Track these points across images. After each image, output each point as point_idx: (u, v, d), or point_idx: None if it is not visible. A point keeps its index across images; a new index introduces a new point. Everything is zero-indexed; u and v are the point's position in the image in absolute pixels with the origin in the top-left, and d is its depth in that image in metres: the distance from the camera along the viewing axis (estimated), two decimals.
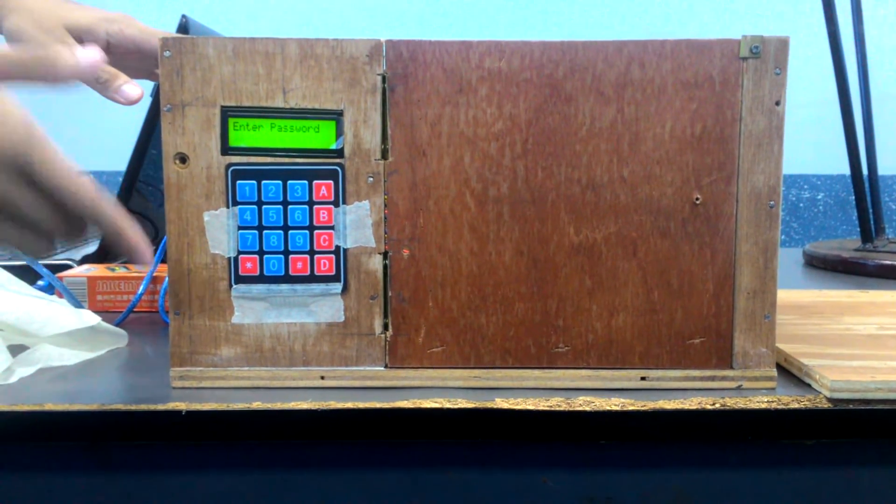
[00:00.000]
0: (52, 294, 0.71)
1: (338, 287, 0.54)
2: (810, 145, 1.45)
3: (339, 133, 0.52)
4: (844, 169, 1.10)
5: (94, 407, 0.50)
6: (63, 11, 0.69)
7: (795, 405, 0.51)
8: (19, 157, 0.45)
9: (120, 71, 0.68)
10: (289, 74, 0.52)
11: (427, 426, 0.51)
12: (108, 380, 0.56)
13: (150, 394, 0.53)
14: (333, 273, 0.53)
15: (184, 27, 0.79)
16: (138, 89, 0.68)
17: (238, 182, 0.52)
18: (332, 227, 0.53)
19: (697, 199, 0.53)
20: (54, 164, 0.46)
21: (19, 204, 0.46)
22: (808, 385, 0.54)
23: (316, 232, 0.53)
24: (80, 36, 0.69)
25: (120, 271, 0.76)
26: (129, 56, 0.71)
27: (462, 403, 0.51)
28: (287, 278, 0.53)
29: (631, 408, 0.51)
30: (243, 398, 0.51)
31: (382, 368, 0.54)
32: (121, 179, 0.83)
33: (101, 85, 0.67)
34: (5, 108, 0.45)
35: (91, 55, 0.47)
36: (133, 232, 0.48)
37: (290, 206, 0.53)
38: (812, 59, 1.28)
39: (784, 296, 0.77)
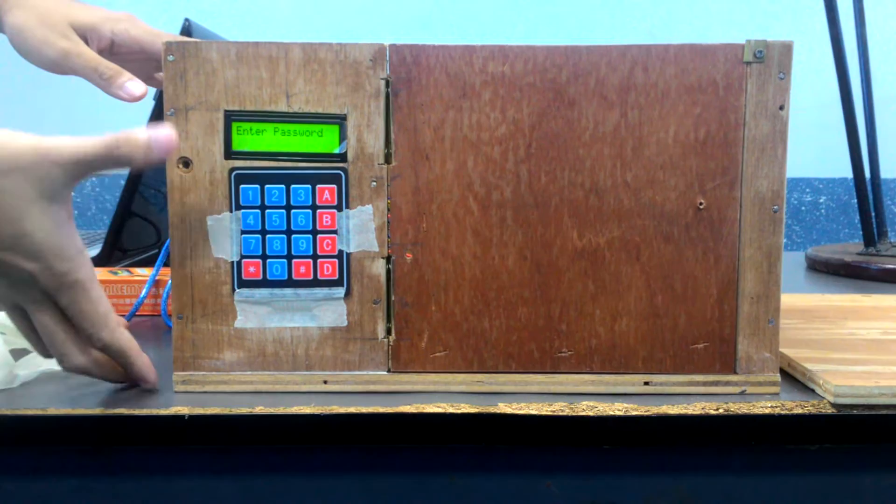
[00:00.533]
0: None
1: (341, 291, 0.54)
2: (812, 148, 1.45)
3: (343, 137, 0.52)
4: (847, 172, 1.10)
5: (96, 411, 0.50)
6: (68, 9, 0.69)
7: (799, 410, 0.51)
8: (51, 292, 0.48)
9: None
10: (292, 79, 0.52)
11: (430, 431, 0.51)
12: (111, 384, 0.56)
13: (153, 398, 0.53)
14: (336, 277, 0.53)
15: (187, 31, 0.79)
16: (142, 86, 0.68)
17: (241, 186, 0.52)
18: (335, 232, 0.53)
19: (701, 203, 0.53)
20: (81, 306, 0.48)
21: (39, 324, 0.49)
22: (812, 390, 0.53)
23: (319, 236, 0.53)
24: (85, 34, 0.69)
25: (122, 275, 0.76)
26: (132, 56, 0.71)
27: (465, 408, 0.51)
28: (290, 282, 0.53)
29: (634, 413, 0.51)
30: (246, 402, 0.51)
31: (385, 373, 0.54)
32: (123, 183, 0.83)
33: (104, 81, 0.67)
34: (61, 250, 0.47)
35: (166, 138, 0.49)
36: (141, 364, 0.53)
37: (293, 211, 0.53)
38: (814, 62, 1.28)
39: (787, 300, 0.77)
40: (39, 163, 0.46)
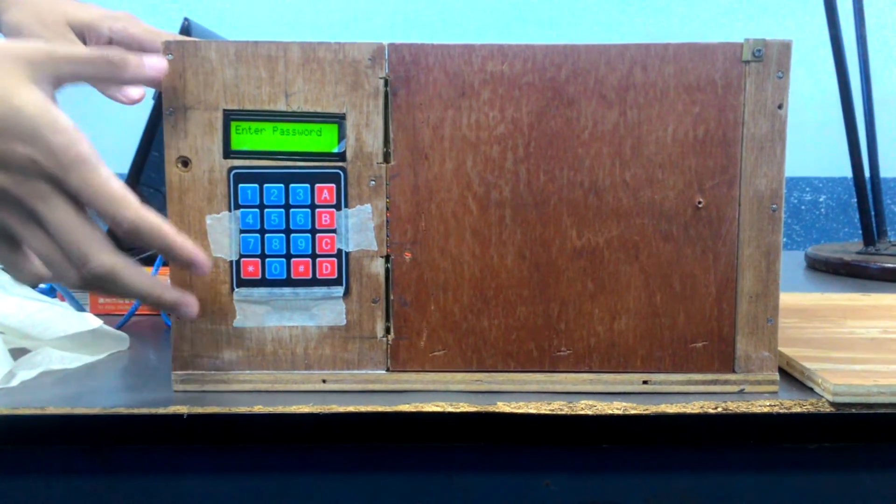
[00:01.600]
0: (53, 297, 0.71)
1: (340, 290, 0.54)
2: (812, 148, 1.45)
3: (342, 136, 0.52)
4: (846, 171, 1.10)
5: (95, 410, 0.50)
6: (65, 7, 0.69)
7: (798, 409, 0.51)
8: (57, 175, 0.45)
9: None
10: (291, 78, 0.52)
11: (429, 430, 0.51)
12: (110, 383, 0.56)
13: (152, 397, 0.53)
14: (335, 276, 0.53)
15: (186, 30, 0.79)
16: (140, 89, 0.68)
17: (240, 185, 0.52)
18: (334, 231, 0.53)
19: (700, 202, 0.53)
20: (94, 183, 0.45)
21: (55, 224, 0.46)
22: (811, 389, 0.53)
23: (318, 235, 0.53)
24: (83, 32, 0.69)
25: None
26: None
27: (464, 407, 0.51)
28: (289, 282, 0.53)
29: (633, 411, 0.51)
30: (245, 402, 0.51)
31: (384, 372, 0.54)
32: (123, 182, 0.83)
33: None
34: (55, 121, 0.45)
35: (158, 63, 0.50)
36: (183, 242, 0.48)
37: (292, 210, 0.53)
38: (814, 61, 1.28)
39: (786, 299, 0.77)
40: (33, 51, 0.46)
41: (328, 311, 0.54)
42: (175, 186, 0.52)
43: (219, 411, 0.50)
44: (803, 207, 1.53)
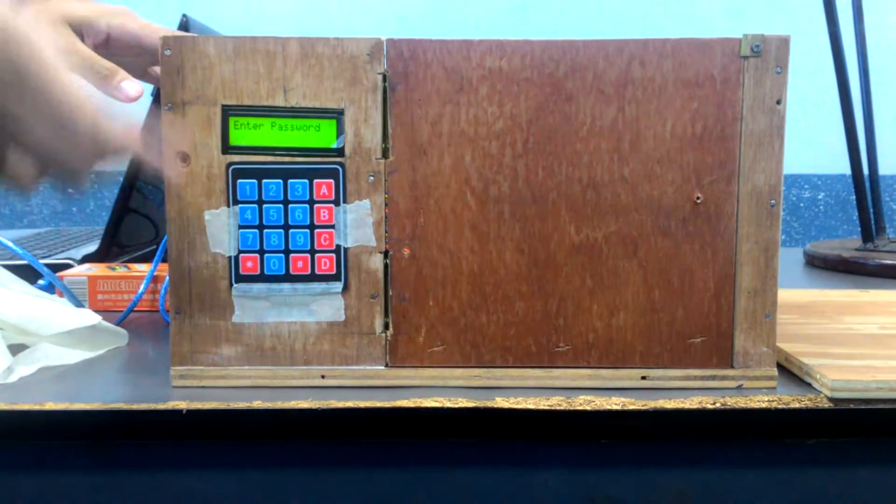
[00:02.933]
0: (52, 293, 0.71)
1: (338, 286, 0.54)
2: (811, 145, 1.45)
3: (340, 132, 0.52)
4: (845, 168, 1.10)
5: (94, 406, 0.50)
6: (62, 3, 0.69)
7: (796, 405, 0.51)
8: (10, 70, 0.44)
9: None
10: (289, 73, 0.52)
11: (427, 425, 0.51)
12: (109, 379, 0.56)
13: (151, 393, 0.52)
14: (334, 272, 0.53)
15: (184, 26, 0.79)
16: (138, 86, 0.67)
17: (239, 181, 0.52)
18: (332, 226, 0.53)
19: (698, 198, 0.53)
20: (48, 79, 0.44)
21: (16, 120, 0.45)
22: (809, 384, 0.54)
23: (316, 231, 0.53)
24: (80, 29, 0.69)
25: (120, 271, 0.76)
26: (128, 51, 0.71)
27: (462, 403, 0.51)
28: (288, 277, 0.53)
29: (631, 407, 0.51)
30: (244, 397, 0.51)
31: (383, 367, 0.54)
32: (121, 178, 0.83)
33: (100, 80, 0.67)
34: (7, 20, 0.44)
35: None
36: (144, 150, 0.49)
37: (290, 205, 0.53)
38: (813, 57, 1.28)
39: (785, 295, 0.77)
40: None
41: (327, 306, 0.54)
42: (174, 182, 0.52)
43: (217, 407, 0.50)
44: (802, 205, 1.53)
